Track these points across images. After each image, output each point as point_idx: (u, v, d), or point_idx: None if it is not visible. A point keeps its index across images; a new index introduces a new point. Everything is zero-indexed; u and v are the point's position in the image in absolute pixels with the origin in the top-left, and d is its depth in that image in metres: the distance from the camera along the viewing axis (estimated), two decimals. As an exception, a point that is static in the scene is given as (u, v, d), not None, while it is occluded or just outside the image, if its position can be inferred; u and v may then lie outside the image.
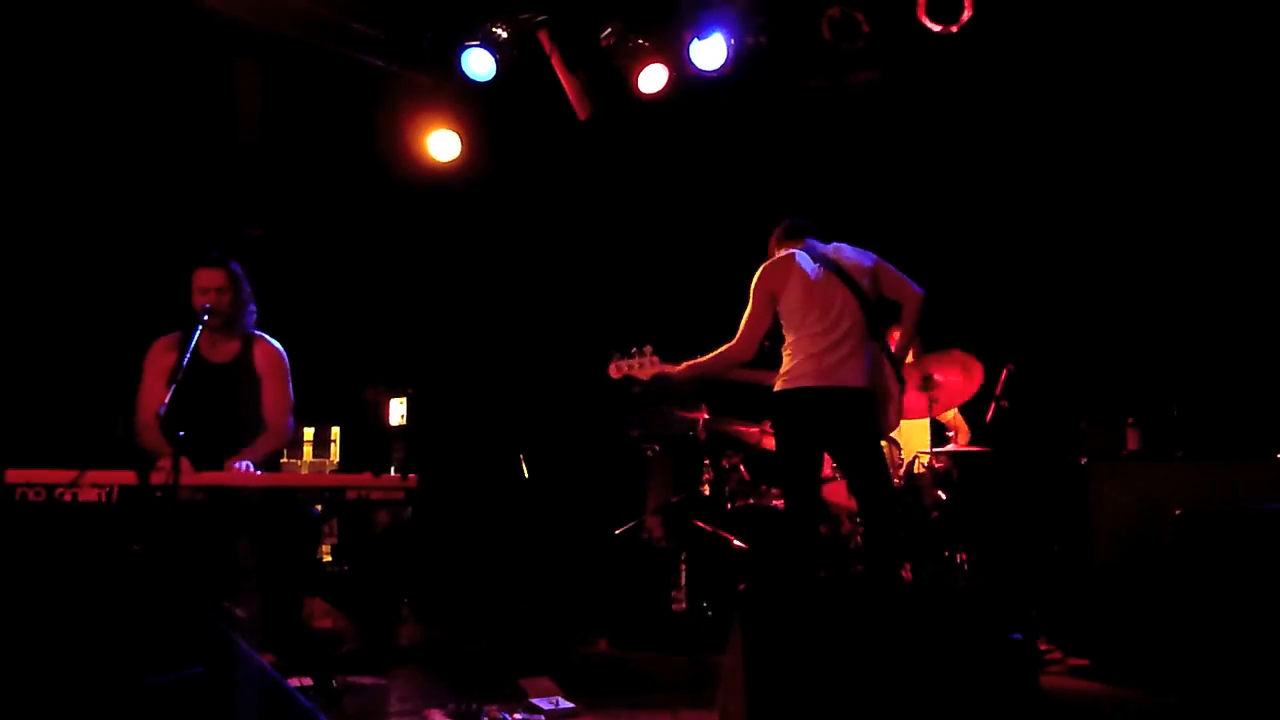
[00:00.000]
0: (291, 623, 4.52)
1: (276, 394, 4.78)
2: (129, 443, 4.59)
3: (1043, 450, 6.15)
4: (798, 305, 4.83)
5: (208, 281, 4.63)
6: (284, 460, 6.26)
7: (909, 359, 5.48)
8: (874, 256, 4.98)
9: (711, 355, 4.98)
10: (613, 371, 5.22)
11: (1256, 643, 3.93)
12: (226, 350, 4.74)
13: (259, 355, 4.78)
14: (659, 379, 5.21)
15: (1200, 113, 6.34)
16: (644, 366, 5.16)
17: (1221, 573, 4.07)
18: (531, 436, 7.31)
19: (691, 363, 5.04)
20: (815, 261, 4.88)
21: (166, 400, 3.94)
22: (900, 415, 5.08)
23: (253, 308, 4.79)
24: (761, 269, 4.96)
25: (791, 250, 4.96)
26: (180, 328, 4.60)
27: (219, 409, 4.63)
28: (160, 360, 4.62)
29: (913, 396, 5.64)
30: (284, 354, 4.85)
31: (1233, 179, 6.32)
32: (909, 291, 4.92)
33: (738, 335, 4.93)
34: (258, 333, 4.83)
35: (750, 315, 4.91)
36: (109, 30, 5.87)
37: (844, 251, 4.97)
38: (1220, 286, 6.37)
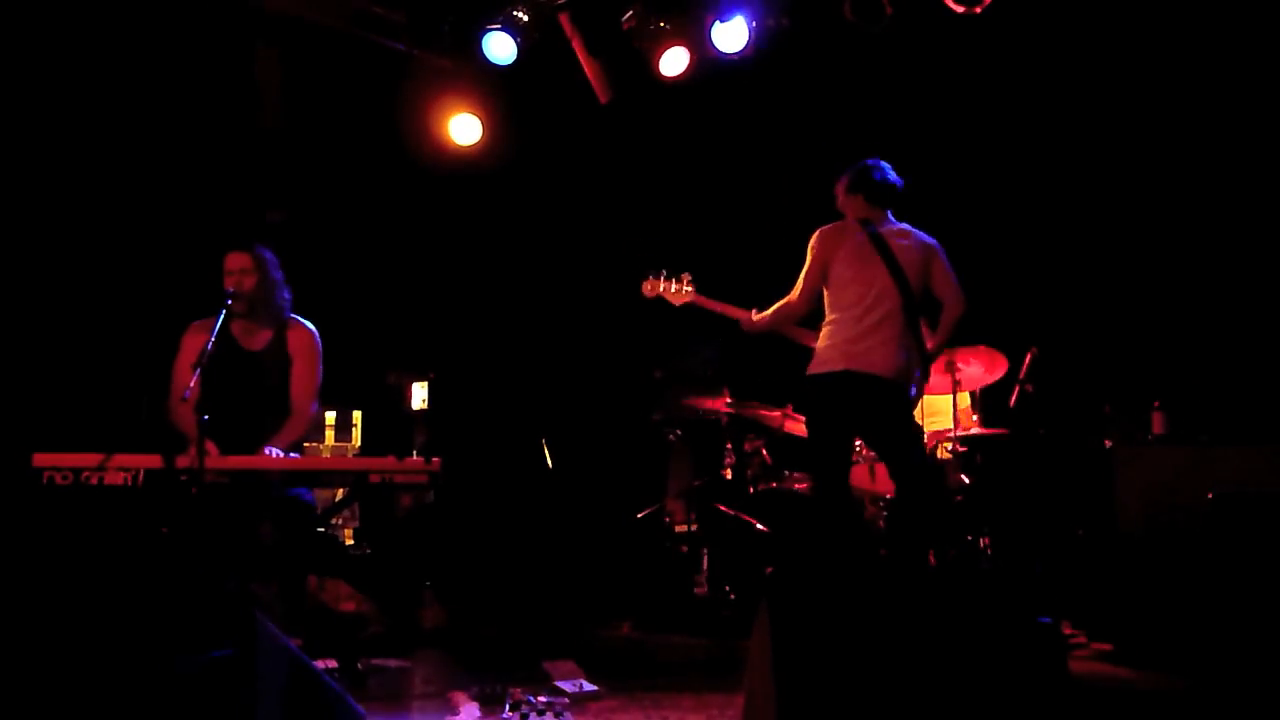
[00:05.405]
0: (303, 604, 4.54)
1: (305, 376, 4.79)
2: (158, 421, 4.61)
3: (1067, 433, 6.11)
4: (841, 282, 4.80)
5: (233, 264, 4.65)
6: (306, 445, 6.28)
7: None
8: (935, 247, 4.87)
9: (774, 308, 4.96)
10: (646, 290, 5.35)
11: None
12: (261, 338, 4.76)
13: (293, 339, 4.80)
14: (691, 308, 5.29)
15: (1229, 94, 6.26)
16: (679, 293, 5.25)
17: (1258, 555, 4.03)
18: (553, 420, 7.31)
19: (761, 315, 5.03)
20: (871, 242, 4.78)
21: (193, 384, 3.95)
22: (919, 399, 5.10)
23: (286, 294, 4.80)
24: (819, 233, 4.90)
25: (855, 220, 4.88)
26: (217, 310, 4.63)
27: (249, 396, 4.65)
28: (194, 342, 4.63)
29: (937, 376, 5.61)
30: (318, 337, 4.86)
31: (1263, 159, 6.24)
32: (953, 295, 4.80)
33: (797, 290, 4.90)
34: (294, 317, 4.84)
35: (806, 275, 4.88)
36: (131, 15, 5.88)
37: (906, 235, 4.87)
38: (1246, 268, 6.30)
